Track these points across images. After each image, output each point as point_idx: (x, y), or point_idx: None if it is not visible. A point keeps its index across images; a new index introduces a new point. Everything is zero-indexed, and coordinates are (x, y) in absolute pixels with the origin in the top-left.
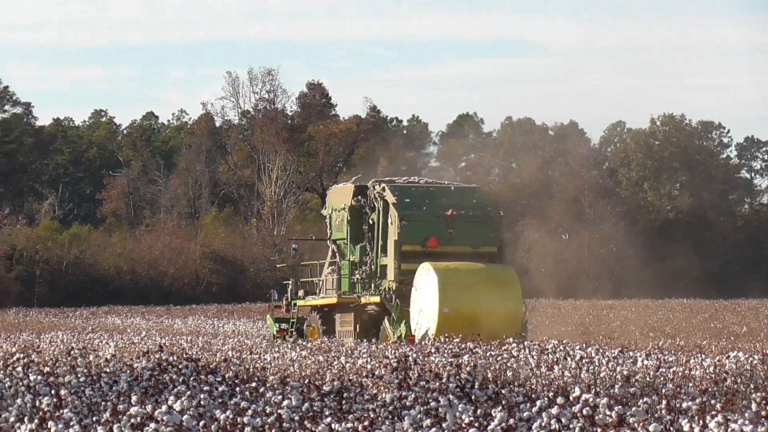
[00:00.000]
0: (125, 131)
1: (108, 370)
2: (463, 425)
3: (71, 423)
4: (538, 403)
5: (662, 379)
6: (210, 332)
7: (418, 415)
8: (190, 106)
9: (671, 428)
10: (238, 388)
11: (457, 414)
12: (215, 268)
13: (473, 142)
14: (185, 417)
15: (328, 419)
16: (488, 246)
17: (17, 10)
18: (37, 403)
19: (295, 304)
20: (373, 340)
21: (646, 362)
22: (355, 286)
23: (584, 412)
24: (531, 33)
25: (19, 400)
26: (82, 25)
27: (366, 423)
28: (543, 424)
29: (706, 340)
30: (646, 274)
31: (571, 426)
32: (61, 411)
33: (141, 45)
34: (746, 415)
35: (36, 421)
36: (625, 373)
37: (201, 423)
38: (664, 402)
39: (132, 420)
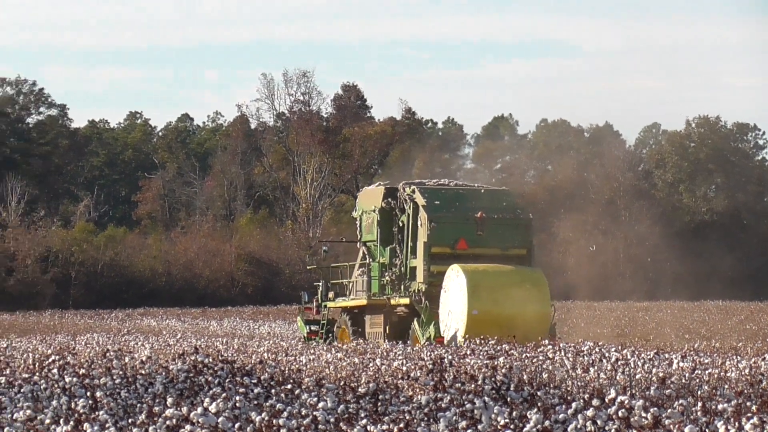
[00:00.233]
0: (160, 133)
1: (143, 371)
2: (499, 427)
3: (107, 425)
4: (573, 405)
5: (698, 381)
6: (245, 334)
7: (454, 417)
8: (225, 108)
9: (707, 430)
10: (273, 390)
11: (493, 416)
12: (250, 270)
13: (508, 144)
14: (221, 419)
15: (364, 421)
16: (517, 248)
17: (52, 12)
18: (73, 405)
19: (325, 306)
20: (407, 342)
21: (681, 364)
22: (385, 288)
23: (620, 414)
24: (567, 34)
25: (54, 402)
26: (117, 27)
27: (401, 425)
28: (578, 426)
29: (742, 342)
30: (681, 276)
31: (606, 428)
32: (96, 413)
33: (176, 47)
34: None
35: (72, 423)
36: (661, 375)
37: (236, 425)
38: (699, 404)
39: (167, 422)
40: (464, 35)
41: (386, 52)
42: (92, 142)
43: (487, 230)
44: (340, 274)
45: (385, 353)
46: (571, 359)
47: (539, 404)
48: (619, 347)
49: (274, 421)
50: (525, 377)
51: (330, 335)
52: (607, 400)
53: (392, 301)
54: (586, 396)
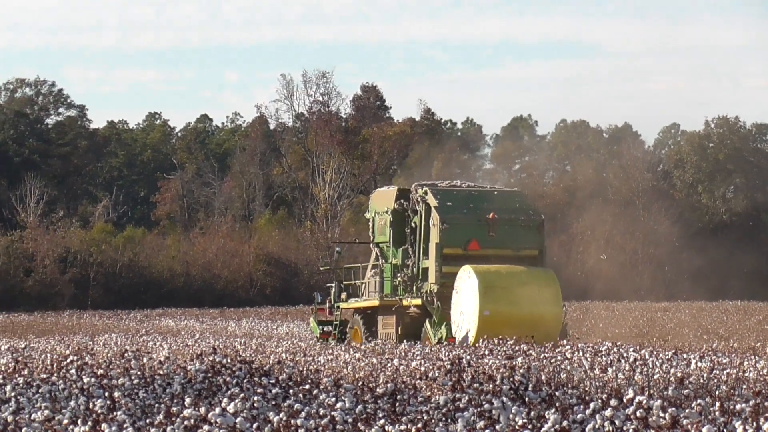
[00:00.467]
0: (179, 134)
1: (161, 372)
2: (517, 427)
3: (125, 425)
4: (591, 405)
5: (716, 381)
6: (264, 334)
7: (472, 417)
8: (244, 108)
9: (725, 430)
10: (291, 390)
11: (511, 416)
12: (269, 270)
13: (527, 145)
14: (239, 419)
15: (382, 421)
16: (529, 249)
17: (72, 13)
18: (91, 405)
19: (338, 307)
20: (417, 343)
21: (699, 364)
22: (397, 289)
23: (638, 414)
24: (586, 35)
25: (72, 402)
26: (137, 28)
27: (419, 425)
28: (596, 426)
29: (760, 342)
30: (700, 276)
31: (624, 428)
32: (114, 413)
33: (195, 48)
34: None
35: (90, 423)
36: (679, 375)
37: (254, 425)
38: (717, 404)
39: (185, 422)
40: (484, 36)
41: (406, 53)
42: (111, 143)
43: (498, 231)
44: (352, 275)
45: (403, 353)
46: (589, 359)
47: (557, 404)
48: (638, 347)
49: (292, 422)
50: (543, 377)
51: (343, 336)
52: (625, 400)
53: (404, 302)
54: (604, 396)
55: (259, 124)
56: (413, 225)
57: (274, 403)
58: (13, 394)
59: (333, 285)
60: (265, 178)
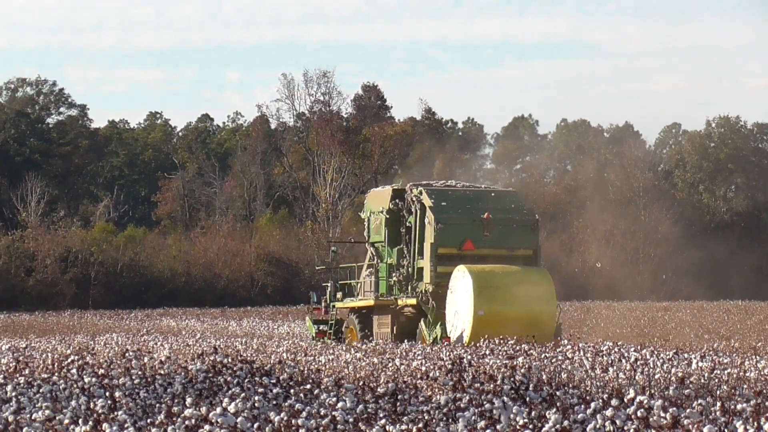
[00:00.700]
0: (180, 133)
1: (162, 372)
2: (518, 427)
3: (126, 425)
4: (592, 404)
5: (717, 381)
6: (265, 334)
7: (473, 417)
8: (245, 108)
9: (726, 430)
10: (292, 390)
11: (512, 416)
12: (270, 270)
13: (528, 144)
14: (240, 419)
15: (383, 421)
16: (524, 249)
17: (73, 13)
18: (92, 405)
19: (333, 306)
20: (419, 343)
21: (700, 364)
22: (393, 289)
23: (639, 413)
24: (587, 35)
25: (73, 402)
26: (138, 28)
27: (420, 425)
28: (597, 426)
29: (762, 342)
30: (701, 276)
31: (625, 428)
32: (115, 413)
33: (196, 47)
34: None
35: (90, 423)
36: (680, 374)
37: (255, 425)
38: (718, 404)
39: (186, 422)
40: (485, 36)
41: (407, 52)
42: (112, 143)
43: (493, 231)
44: (348, 275)
45: (404, 353)
46: (590, 359)
47: (558, 404)
48: (638, 347)
49: (293, 421)
50: (544, 377)
51: (340, 335)
52: (626, 400)
53: (399, 302)
54: (605, 396)
55: (260, 123)
56: (408, 225)
57: (275, 402)
58: (14, 393)
59: (329, 284)
60: (266, 178)
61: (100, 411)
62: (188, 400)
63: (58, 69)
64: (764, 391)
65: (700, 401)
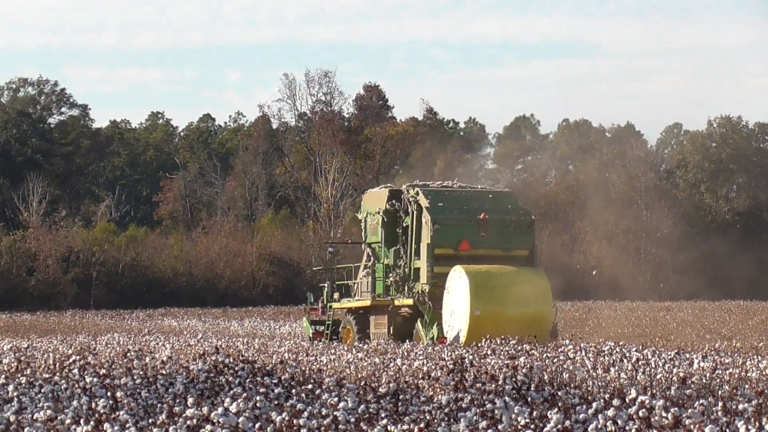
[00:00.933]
0: (182, 133)
1: (164, 372)
2: (519, 427)
3: (127, 425)
4: (594, 404)
5: (718, 381)
6: (266, 334)
7: (474, 417)
8: (246, 108)
9: (727, 430)
10: (294, 390)
11: (513, 416)
12: (272, 270)
13: (530, 144)
14: (241, 419)
15: (384, 421)
16: (520, 249)
17: (74, 13)
18: (93, 405)
19: (330, 307)
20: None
21: (702, 364)
22: (389, 289)
23: (640, 413)
24: (589, 35)
25: (75, 402)
26: (140, 28)
27: (422, 425)
28: (599, 426)
29: (763, 342)
30: (702, 276)
31: (627, 428)
32: (117, 413)
33: (198, 47)
34: None
35: (92, 423)
36: (682, 375)
37: (257, 425)
38: (720, 404)
39: (188, 422)
40: (487, 36)
41: (408, 52)
42: (114, 143)
43: (489, 231)
44: (345, 276)
45: (405, 353)
46: (591, 359)
47: (560, 404)
48: (640, 347)
49: (295, 421)
50: (546, 377)
51: (336, 336)
52: (627, 400)
53: (396, 302)
54: (607, 396)
55: (261, 123)
56: (405, 225)
57: (276, 402)
58: (15, 393)
59: (326, 285)
60: (267, 178)
61: (101, 411)
62: (190, 400)
63: (60, 69)
64: (766, 391)
65: (701, 401)
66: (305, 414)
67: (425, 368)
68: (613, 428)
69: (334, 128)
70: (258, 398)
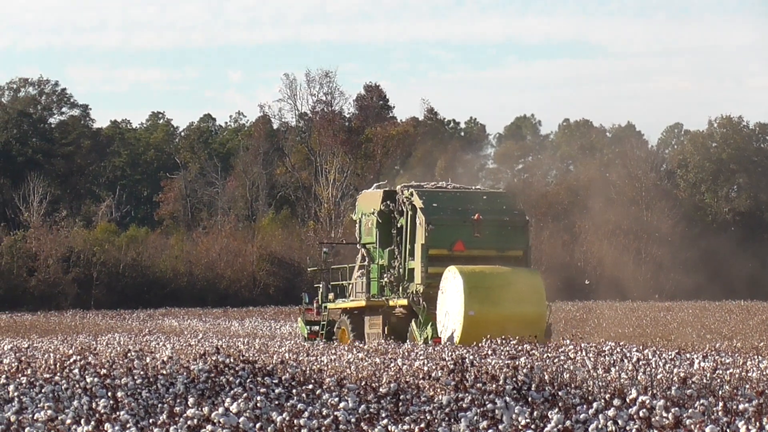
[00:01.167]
0: (183, 133)
1: (165, 372)
2: (520, 427)
3: (128, 425)
4: (594, 404)
5: (719, 381)
6: (267, 334)
7: (475, 417)
8: (247, 108)
9: (728, 430)
10: (294, 390)
11: (514, 416)
12: (272, 270)
13: (531, 144)
14: (242, 419)
15: (385, 421)
16: (514, 250)
17: (75, 13)
18: (94, 405)
19: (325, 307)
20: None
21: (702, 364)
22: (384, 290)
23: (641, 413)
24: (590, 35)
25: (75, 402)
26: (141, 28)
27: (422, 425)
28: (599, 426)
29: (763, 342)
30: (703, 276)
31: (627, 428)
32: (117, 413)
33: (198, 47)
34: None
35: (93, 423)
36: (682, 375)
37: (258, 425)
38: (720, 404)
39: (188, 422)
40: (487, 36)
41: (409, 52)
42: (114, 143)
43: (484, 232)
44: (340, 276)
45: (406, 353)
46: (592, 359)
47: (560, 404)
48: (641, 347)
49: (296, 421)
50: (546, 377)
51: (331, 336)
52: (628, 400)
53: (391, 303)
54: (607, 396)
55: (262, 123)
56: (399, 226)
57: (277, 403)
58: (16, 393)
59: (320, 285)
60: (268, 178)
61: (102, 411)
62: (190, 400)
63: (61, 69)
64: (766, 391)
65: (702, 401)
66: (306, 414)
67: (426, 368)
68: (613, 428)
69: (334, 128)
70: (258, 398)
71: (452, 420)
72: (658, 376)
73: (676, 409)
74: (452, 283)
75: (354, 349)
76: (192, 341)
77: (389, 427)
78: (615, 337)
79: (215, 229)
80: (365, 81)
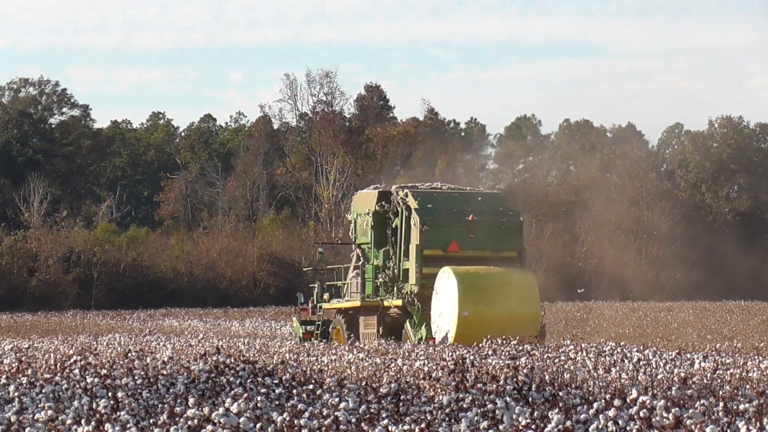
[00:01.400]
0: (183, 133)
1: (165, 372)
2: (520, 427)
3: (128, 425)
4: (595, 405)
5: (719, 381)
6: (267, 334)
7: (475, 417)
8: (248, 108)
9: (728, 430)
10: (295, 391)
11: (514, 416)
12: (273, 270)
13: (531, 145)
14: (242, 419)
15: (385, 421)
16: (508, 251)
17: (76, 13)
18: (94, 406)
19: (320, 307)
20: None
21: (703, 364)
22: (379, 290)
23: (641, 414)
24: (590, 35)
25: (76, 402)
26: (141, 28)
27: (423, 425)
28: (600, 426)
29: (764, 342)
30: (703, 276)
31: (627, 428)
32: (118, 413)
33: (199, 47)
34: None
35: (93, 423)
36: (683, 375)
37: (258, 425)
38: (721, 404)
39: (189, 422)
40: (488, 36)
41: (409, 52)
42: (115, 143)
43: (478, 233)
44: (335, 276)
45: (406, 353)
46: (592, 359)
47: (561, 404)
48: (641, 347)
49: (296, 422)
50: (546, 377)
51: (326, 336)
52: (628, 400)
53: (385, 303)
54: (608, 396)
55: (262, 123)
56: (394, 227)
57: (277, 403)
58: (16, 394)
59: (316, 285)
60: (268, 178)
61: (102, 411)
62: (191, 401)
63: (61, 69)
64: (767, 391)
65: (702, 401)
66: (306, 414)
67: (426, 368)
68: (614, 428)
69: (335, 128)
70: (259, 398)
71: (453, 420)
72: (659, 377)
73: (677, 409)
74: (446, 283)
75: (354, 350)
76: (192, 341)
77: (390, 428)
78: (615, 338)
79: (216, 230)
80: (365, 81)
